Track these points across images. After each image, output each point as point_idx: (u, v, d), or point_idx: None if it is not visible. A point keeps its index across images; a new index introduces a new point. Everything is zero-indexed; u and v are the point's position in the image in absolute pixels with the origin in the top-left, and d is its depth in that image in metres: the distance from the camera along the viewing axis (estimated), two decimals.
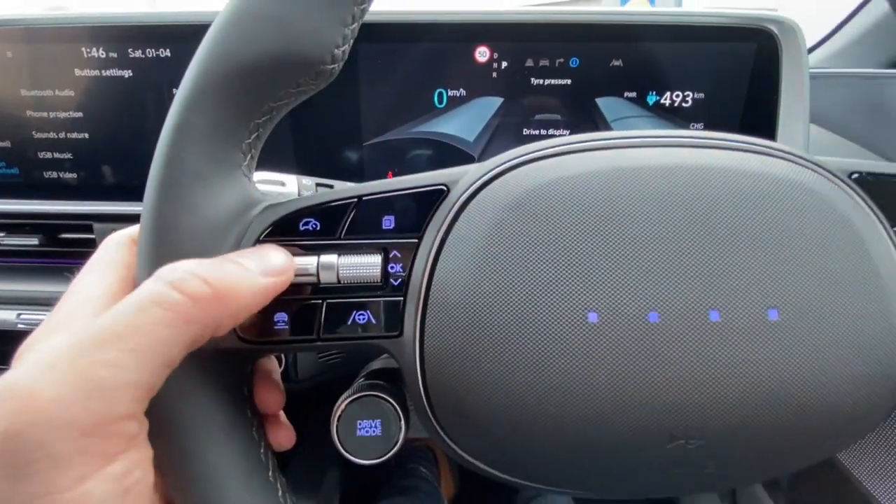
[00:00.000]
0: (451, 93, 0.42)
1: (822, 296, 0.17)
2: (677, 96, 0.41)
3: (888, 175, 0.19)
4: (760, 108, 0.41)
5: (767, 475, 0.20)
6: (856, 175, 0.19)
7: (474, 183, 0.19)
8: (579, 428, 0.17)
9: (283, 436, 0.22)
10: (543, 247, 0.17)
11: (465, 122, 0.43)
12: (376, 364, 0.27)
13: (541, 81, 0.41)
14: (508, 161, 0.19)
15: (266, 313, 0.19)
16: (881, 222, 0.18)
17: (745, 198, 0.17)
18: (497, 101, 0.42)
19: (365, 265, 0.19)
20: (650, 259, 0.17)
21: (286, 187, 0.32)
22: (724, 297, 0.17)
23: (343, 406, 0.21)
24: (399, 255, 0.19)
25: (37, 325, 0.49)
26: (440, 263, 0.18)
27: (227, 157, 0.19)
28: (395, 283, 0.19)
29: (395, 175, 0.45)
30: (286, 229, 0.19)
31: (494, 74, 0.41)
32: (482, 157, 0.44)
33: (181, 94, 0.18)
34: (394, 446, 0.21)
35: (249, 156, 0.20)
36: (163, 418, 0.17)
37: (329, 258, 0.19)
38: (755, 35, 0.39)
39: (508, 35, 0.40)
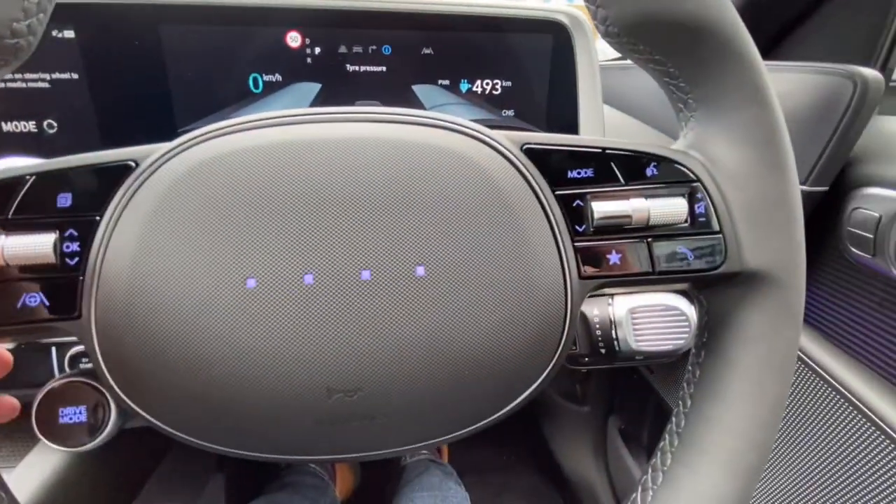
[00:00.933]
0: (266, 78, 0.42)
1: (468, 254, 0.19)
2: (487, 84, 0.44)
3: (553, 145, 0.22)
4: (563, 93, 0.45)
5: (445, 430, 0.21)
6: (527, 146, 0.22)
7: (158, 159, 0.19)
8: (247, 390, 0.18)
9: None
10: (204, 217, 0.18)
11: (285, 107, 0.42)
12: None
13: (356, 68, 0.42)
14: (194, 137, 0.20)
15: None
16: (538, 189, 0.21)
17: (399, 165, 0.19)
18: (315, 87, 0.42)
19: (35, 244, 0.18)
20: (306, 226, 0.18)
21: None
22: (374, 258, 0.18)
23: (42, 394, 0.20)
24: (76, 234, 0.19)
25: None
26: (112, 238, 0.18)
27: None
28: (72, 263, 0.19)
29: None
30: None
31: (309, 60, 0.41)
32: None
33: None
34: (103, 431, 0.21)
35: None
36: None
37: None
38: (550, 27, 0.43)
39: (318, 21, 0.41)
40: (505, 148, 0.21)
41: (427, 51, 0.42)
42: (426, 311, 0.18)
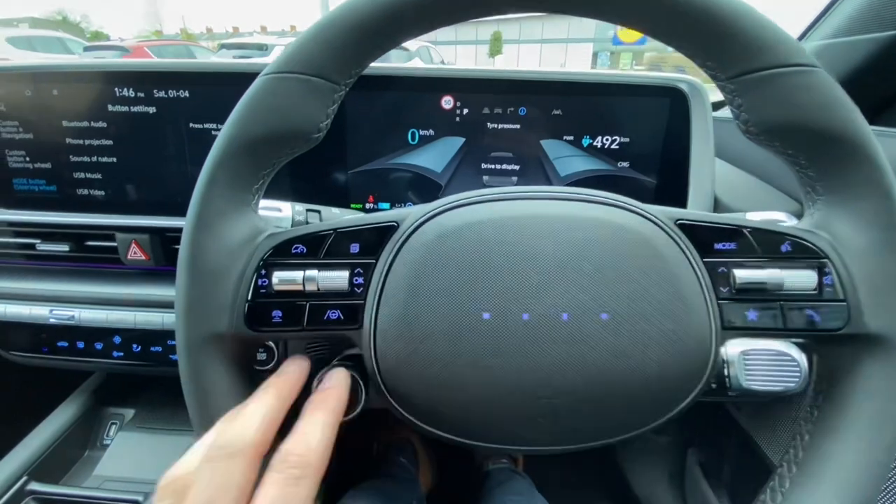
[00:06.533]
0: (422, 132, 0.51)
1: (640, 304, 0.25)
2: (607, 140, 0.50)
3: (704, 221, 0.28)
4: (675, 150, 0.50)
5: (615, 431, 0.28)
6: (680, 221, 0.28)
7: (415, 222, 0.28)
8: (479, 391, 0.26)
9: None
10: (454, 268, 0.26)
11: (434, 156, 0.52)
12: (349, 352, 0.35)
13: (495, 125, 0.50)
14: (439, 207, 0.28)
15: (267, 310, 0.27)
16: (690, 257, 0.27)
17: (590, 237, 0.26)
18: (460, 141, 0.51)
19: (337, 278, 0.27)
20: (524, 279, 0.26)
21: (282, 213, 0.41)
22: (572, 305, 0.25)
23: (318, 377, 0.29)
24: (361, 272, 0.28)
25: (67, 320, 0.57)
26: (388, 278, 0.27)
27: (241, 199, 0.28)
28: (358, 291, 0.27)
29: (375, 198, 0.54)
30: (282, 252, 0.28)
31: (457, 119, 0.50)
32: (448, 185, 0.53)
33: (212, 156, 0.26)
34: (357, 408, 0.29)
35: (257, 196, 0.29)
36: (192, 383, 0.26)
37: (311, 273, 0.27)
38: (669, 92, 0.48)
39: (469, 87, 0.49)
40: (663, 223, 0.27)
41: (557, 112, 0.49)
42: (609, 345, 0.25)
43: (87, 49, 7.42)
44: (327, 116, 0.27)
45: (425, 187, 0.53)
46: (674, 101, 0.49)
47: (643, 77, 0.48)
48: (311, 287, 0.27)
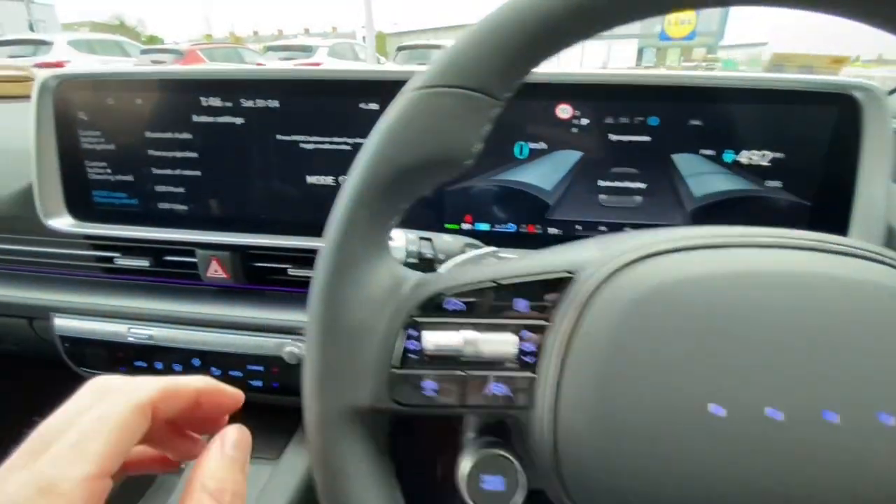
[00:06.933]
0: (532, 146, 0.45)
1: None
2: (755, 155, 0.42)
3: None
4: (840, 169, 0.41)
5: None
6: None
7: (599, 274, 0.22)
8: None
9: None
10: (667, 343, 0.20)
11: (545, 172, 0.45)
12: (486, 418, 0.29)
13: (619, 138, 0.43)
14: (630, 253, 0.22)
15: (417, 381, 0.22)
16: None
17: (856, 305, 0.19)
18: (576, 155, 0.45)
19: (502, 342, 0.22)
20: (766, 359, 0.19)
21: (395, 242, 0.36)
22: (839, 399, 0.18)
23: (470, 463, 0.24)
24: (531, 335, 0.22)
25: (146, 339, 0.54)
26: (571, 352, 0.21)
27: (380, 241, 0.23)
28: (528, 361, 0.22)
29: (472, 218, 0.48)
30: (433, 308, 0.22)
31: (575, 130, 0.44)
32: (557, 205, 0.46)
33: (350, 190, 0.21)
34: (512, 499, 0.24)
35: (389, 234, 0.24)
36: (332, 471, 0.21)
37: (472, 335, 0.22)
38: (837, 99, 0.40)
39: (591, 94, 0.43)
40: None
41: (695, 122, 0.42)
42: (892, 463, 0.18)
43: (143, 52, 7.79)
44: (480, 139, 0.22)
45: (530, 207, 0.47)
46: (842, 110, 0.40)
47: (807, 82, 0.40)
48: (470, 352, 0.22)
